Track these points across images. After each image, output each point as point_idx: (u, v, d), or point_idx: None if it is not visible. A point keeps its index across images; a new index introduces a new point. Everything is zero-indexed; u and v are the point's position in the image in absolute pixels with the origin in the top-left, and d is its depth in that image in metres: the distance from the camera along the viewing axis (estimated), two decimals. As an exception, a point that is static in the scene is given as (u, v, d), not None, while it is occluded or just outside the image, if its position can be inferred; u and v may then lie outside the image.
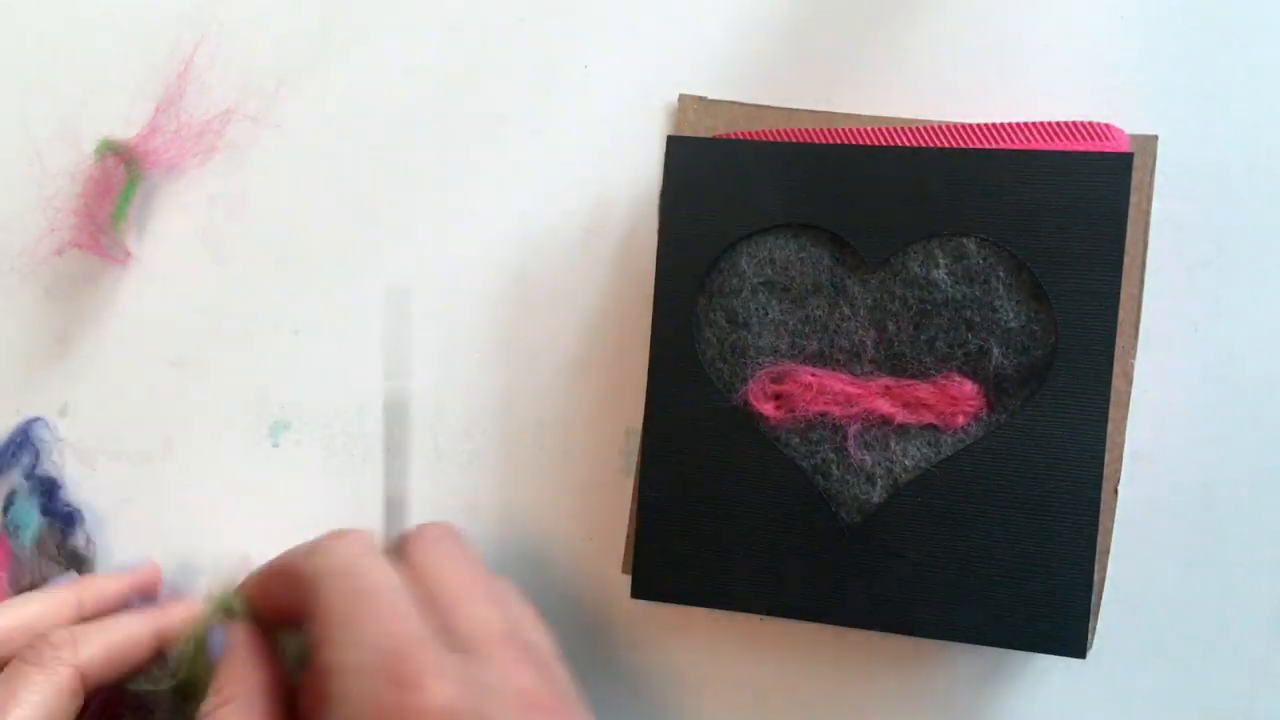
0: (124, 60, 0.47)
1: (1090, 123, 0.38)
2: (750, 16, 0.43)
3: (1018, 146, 0.38)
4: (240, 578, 0.37)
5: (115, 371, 0.47)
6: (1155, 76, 0.41)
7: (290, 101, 0.46)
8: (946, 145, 0.39)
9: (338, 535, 0.34)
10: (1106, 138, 0.37)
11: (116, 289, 0.47)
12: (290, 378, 0.46)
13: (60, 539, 0.45)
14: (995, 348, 0.38)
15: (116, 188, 0.46)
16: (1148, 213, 0.39)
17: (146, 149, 0.46)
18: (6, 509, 0.45)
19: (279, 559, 0.35)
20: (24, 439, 0.46)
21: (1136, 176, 0.38)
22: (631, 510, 0.42)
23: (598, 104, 0.44)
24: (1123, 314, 0.38)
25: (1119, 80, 0.41)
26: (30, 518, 0.45)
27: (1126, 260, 0.37)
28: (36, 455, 0.46)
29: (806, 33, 0.43)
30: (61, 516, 0.45)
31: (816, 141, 0.40)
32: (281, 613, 0.35)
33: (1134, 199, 0.38)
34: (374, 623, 0.31)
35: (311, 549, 0.34)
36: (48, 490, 0.45)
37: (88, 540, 0.45)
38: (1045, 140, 0.38)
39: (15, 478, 0.46)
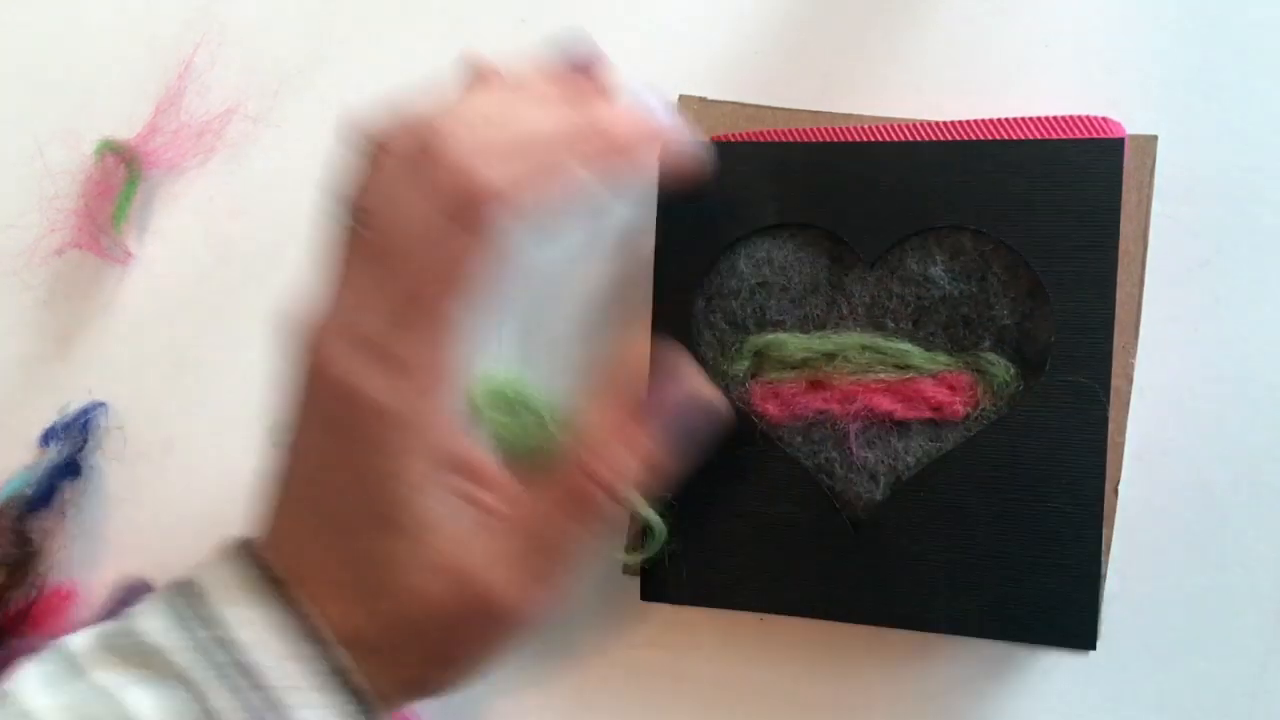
0: (124, 60, 0.48)
1: (1088, 116, 0.38)
2: (750, 17, 0.43)
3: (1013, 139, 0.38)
4: None
5: (115, 371, 0.47)
6: (1155, 76, 0.41)
7: (291, 101, 0.46)
8: (941, 140, 0.39)
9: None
10: (1103, 130, 0.37)
11: (117, 289, 0.47)
12: (292, 378, 0.45)
13: (18, 515, 0.44)
14: (990, 344, 0.38)
15: (117, 188, 0.46)
16: (1148, 213, 0.39)
17: (147, 149, 0.47)
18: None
19: None
20: (84, 422, 0.46)
21: (1137, 176, 0.38)
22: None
23: (597, 104, 0.44)
24: (1123, 314, 0.38)
25: (1119, 80, 0.41)
26: (19, 482, 0.45)
27: (1126, 260, 0.37)
28: (85, 442, 0.46)
29: (806, 33, 0.43)
30: (38, 499, 0.44)
31: (814, 140, 0.40)
32: None
33: (1134, 199, 0.38)
34: None
35: None
36: (60, 472, 0.45)
37: (42, 533, 0.45)
38: (1043, 133, 0.38)
39: (53, 449, 0.45)
